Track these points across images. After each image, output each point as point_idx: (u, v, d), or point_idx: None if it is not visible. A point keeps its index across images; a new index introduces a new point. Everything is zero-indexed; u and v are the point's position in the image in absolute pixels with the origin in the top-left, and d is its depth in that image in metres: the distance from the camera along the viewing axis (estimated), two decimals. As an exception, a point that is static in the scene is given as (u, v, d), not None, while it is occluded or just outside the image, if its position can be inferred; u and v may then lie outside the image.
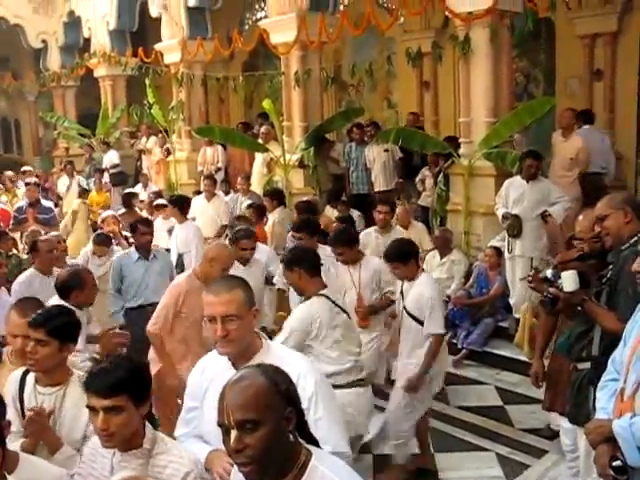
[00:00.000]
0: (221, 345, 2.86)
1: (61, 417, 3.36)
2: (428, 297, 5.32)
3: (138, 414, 2.74)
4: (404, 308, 5.46)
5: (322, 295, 4.57)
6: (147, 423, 2.83)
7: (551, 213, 7.86)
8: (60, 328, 3.40)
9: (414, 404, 5.42)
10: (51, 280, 5.67)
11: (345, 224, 8.23)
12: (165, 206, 10.13)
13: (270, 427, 2.07)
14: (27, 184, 11.51)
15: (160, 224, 9.84)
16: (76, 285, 4.91)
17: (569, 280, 3.98)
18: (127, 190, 12.26)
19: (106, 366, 2.72)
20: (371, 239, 7.69)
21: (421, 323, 5.38)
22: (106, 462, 2.80)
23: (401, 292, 5.57)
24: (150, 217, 10.02)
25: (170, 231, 9.37)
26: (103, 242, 7.87)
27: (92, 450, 2.90)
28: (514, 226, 7.93)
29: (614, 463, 2.99)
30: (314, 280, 4.63)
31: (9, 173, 15.57)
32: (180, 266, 8.48)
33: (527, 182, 7.86)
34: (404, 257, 5.43)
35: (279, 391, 2.13)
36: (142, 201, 12.04)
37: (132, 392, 2.70)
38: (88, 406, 2.71)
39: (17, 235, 9.96)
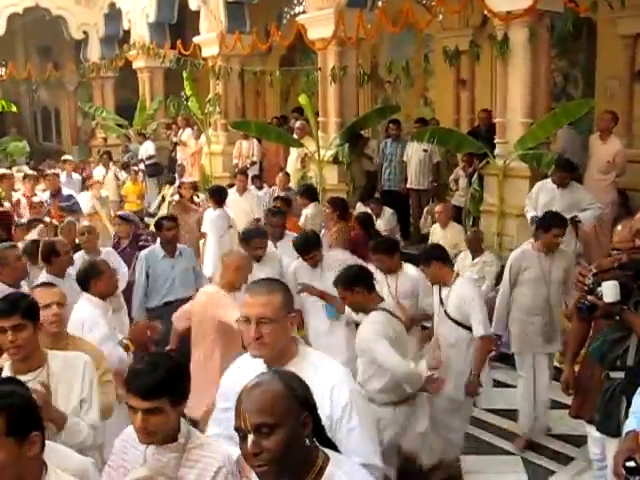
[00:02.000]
0: (254, 347, 2.83)
1: (52, 396, 3.37)
2: (470, 299, 5.34)
3: (176, 413, 2.76)
4: (446, 314, 5.46)
5: (382, 309, 4.65)
6: (182, 419, 2.85)
7: (581, 219, 7.78)
8: (31, 308, 3.41)
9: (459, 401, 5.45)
10: (66, 281, 5.68)
11: (366, 223, 8.24)
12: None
13: (286, 431, 2.09)
14: (45, 175, 11.74)
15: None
16: (94, 275, 4.99)
17: (610, 291, 3.93)
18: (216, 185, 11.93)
19: (146, 366, 2.73)
20: None
21: (465, 327, 5.39)
22: (139, 454, 2.82)
23: (440, 299, 5.57)
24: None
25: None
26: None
27: (124, 442, 2.93)
28: None
29: (627, 463, 2.98)
30: (372, 295, 4.72)
31: (50, 162, 15.81)
32: None
33: (558, 187, 7.79)
34: (431, 258, 5.54)
35: (295, 396, 2.14)
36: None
37: (171, 394, 2.72)
38: (127, 404, 2.73)
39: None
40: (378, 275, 5.90)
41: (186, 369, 2.90)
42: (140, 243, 8.05)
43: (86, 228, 7.31)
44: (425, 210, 10.59)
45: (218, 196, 9.16)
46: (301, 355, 2.90)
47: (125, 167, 15.32)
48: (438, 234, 9.33)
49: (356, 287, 4.67)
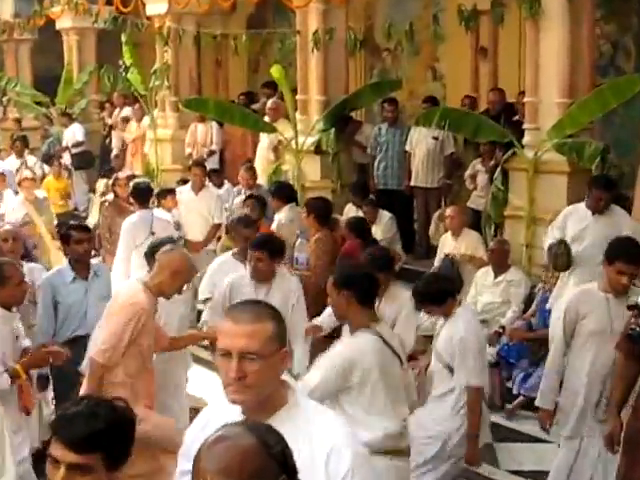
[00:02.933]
0: (233, 390, 2.79)
1: None
2: (459, 338, 5.47)
3: None
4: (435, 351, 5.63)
5: (372, 331, 4.69)
6: None
7: None
8: None
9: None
10: None
11: (360, 231, 8.30)
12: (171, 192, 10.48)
13: None
14: None
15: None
16: None
17: None
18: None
19: (84, 410, 2.74)
20: None
21: (451, 370, 5.54)
22: None
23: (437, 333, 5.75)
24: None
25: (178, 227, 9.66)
26: None
27: None
28: (561, 255, 7.79)
29: None
30: (365, 310, 4.77)
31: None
32: None
33: (593, 214, 7.72)
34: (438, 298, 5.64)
35: (271, 454, 2.13)
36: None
37: (109, 452, 2.71)
38: (49, 455, 2.72)
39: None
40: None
41: (132, 425, 2.89)
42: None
43: (10, 233, 7.34)
44: (435, 215, 10.63)
45: (142, 194, 9.41)
46: (293, 403, 2.86)
47: (46, 157, 15.29)
48: (449, 244, 9.40)
49: (345, 289, 4.73)
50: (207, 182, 11.23)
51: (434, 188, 11.09)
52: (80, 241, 6.82)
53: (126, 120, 16.16)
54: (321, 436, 2.72)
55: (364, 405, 4.56)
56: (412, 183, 11.10)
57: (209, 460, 2.12)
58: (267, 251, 6.52)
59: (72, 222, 8.17)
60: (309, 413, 2.85)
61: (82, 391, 5.36)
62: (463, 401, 5.54)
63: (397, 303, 6.18)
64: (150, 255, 6.23)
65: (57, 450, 2.69)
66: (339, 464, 2.70)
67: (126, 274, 8.54)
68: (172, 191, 10.75)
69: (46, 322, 6.75)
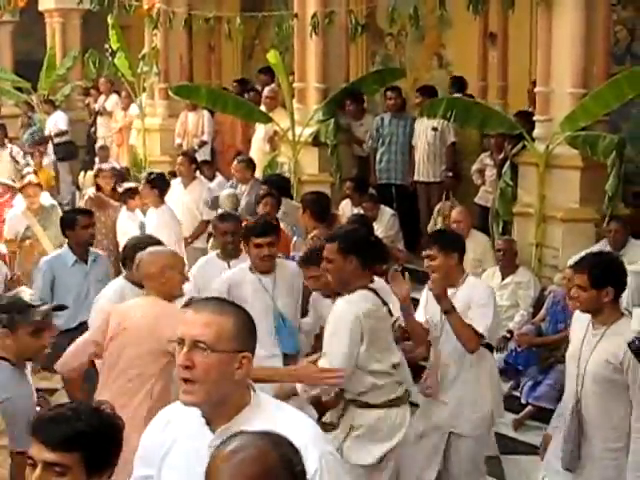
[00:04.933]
0: (183, 390, 2.85)
1: None
2: (481, 303, 5.62)
3: None
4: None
5: (368, 288, 5.15)
6: None
7: None
8: None
9: None
10: None
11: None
12: (136, 192, 10.20)
13: None
14: None
15: (125, 218, 9.96)
16: None
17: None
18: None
19: (65, 411, 2.79)
20: None
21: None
22: None
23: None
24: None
25: (142, 227, 9.55)
26: None
27: None
28: None
29: None
30: (366, 274, 5.20)
31: None
32: None
33: (614, 251, 7.79)
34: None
35: (294, 474, 2.15)
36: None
37: (88, 453, 2.74)
38: (28, 457, 2.76)
39: None
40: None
41: (118, 433, 2.90)
42: None
43: None
44: (436, 210, 10.61)
45: (161, 186, 9.64)
46: (254, 405, 2.91)
47: (29, 146, 15.26)
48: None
49: (354, 255, 5.11)
50: (197, 174, 11.20)
51: (436, 182, 11.06)
52: (86, 226, 7.26)
53: (109, 114, 16.16)
54: (287, 435, 2.65)
55: (368, 356, 5.14)
56: (415, 178, 11.08)
57: (225, 477, 2.12)
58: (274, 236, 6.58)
59: (77, 207, 8.34)
60: (272, 413, 2.89)
61: None
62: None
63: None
64: (124, 259, 6.34)
65: (34, 449, 2.74)
66: (308, 458, 2.67)
67: None
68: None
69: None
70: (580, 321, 5.24)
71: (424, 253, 5.76)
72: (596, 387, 5.00)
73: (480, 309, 5.60)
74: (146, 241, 6.25)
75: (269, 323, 6.36)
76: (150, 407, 5.00)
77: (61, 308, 5.43)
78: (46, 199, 10.40)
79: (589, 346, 5.02)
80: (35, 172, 13.70)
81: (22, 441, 3.41)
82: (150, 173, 10.55)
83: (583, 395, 5.05)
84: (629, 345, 4.68)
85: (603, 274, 4.97)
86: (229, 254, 7.36)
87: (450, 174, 10.92)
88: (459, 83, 12.35)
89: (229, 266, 7.21)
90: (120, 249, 7.94)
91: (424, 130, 10.92)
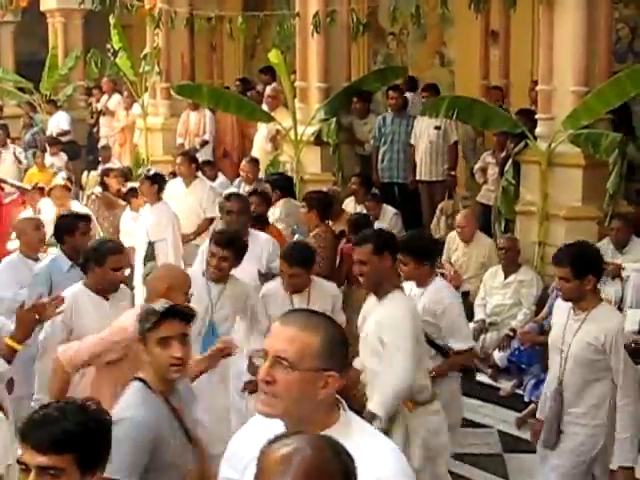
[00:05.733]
0: (261, 400, 2.76)
1: None
2: (447, 304, 5.82)
3: None
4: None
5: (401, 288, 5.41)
6: None
7: None
8: None
9: None
10: None
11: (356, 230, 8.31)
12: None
13: None
14: None
15: (128, 218, 10.01)
16: None
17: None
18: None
19: (53, 412, 2.77)
20: None
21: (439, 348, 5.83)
22: None
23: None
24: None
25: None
26: None
27: None
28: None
29: None
30: (396, 272, 5.51)
31: None
32: (150, 258, 8.96)
33: (616, 248, 8.11)
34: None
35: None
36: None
37: (80, 453, 2.73)
38: (20, 462, 2.75)
39: None
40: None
41: (107, 428, 2.90)
42: None
43: None
44: (439, 208, 10.62)
45: (160, 183, 9.70)
46: (343, 424, 2.79)
47: (30, 147, 15.27)
48: (459, 250, 9.39)
49: (388, 252, 5.30)
50: (199, 173, 11.19)
51: (438, 181, 11.07)
52: (85, 232, 7.13)
53: (111, 113, 16.17)
54: (367, 464, 2.55)
55: None
56: (417, 177, 11.07)
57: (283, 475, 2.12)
58: (300, 265, 6.44)
59: (75, 212, 8.23)
60: (358, 436, 2.73)
61: None
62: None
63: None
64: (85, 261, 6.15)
65: (25, 454, 2.73)
66: None
67: None
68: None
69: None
70: (561, 308, 5.51)
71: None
72: (578, 369, 5.24)
73: (456, 323, 5.87)
74: (110, 244, 6.20)
75: (198, 326, 5.95)
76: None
77: None
78: (76, 205, 10.32)
79: (571, 331, 5.25)
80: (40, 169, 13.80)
81: None
82: (148, 169, 10.59)
83: (565, 377, 5.29)
84: (626, 347, 4.73)
85: (584, 265, 5.21)
86: None
87: (453, 173, 10.93)
88: (411, 83, 13.08)
89: None
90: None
91: (426, 129, 10.91)
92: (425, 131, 10.93)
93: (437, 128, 10.82)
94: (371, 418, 4.80)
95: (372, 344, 5.25)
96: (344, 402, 2.86)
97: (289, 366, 2.68)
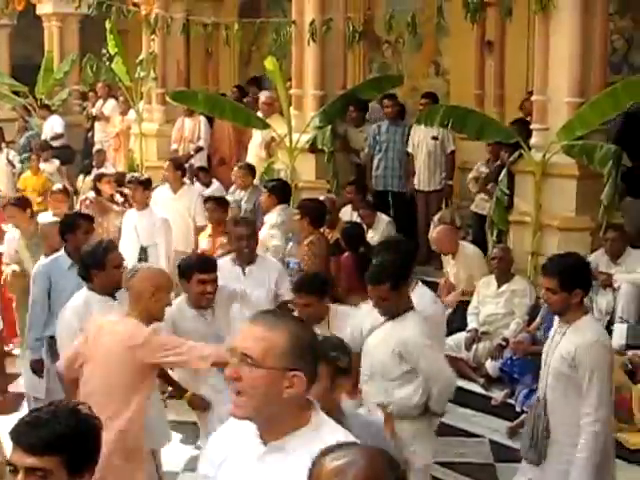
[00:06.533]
0: (233, 403, 2.82)
1: None
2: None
3: None
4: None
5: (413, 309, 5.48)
6: None
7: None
8: None
9: None
10: None
11: (354, 240, 8.30)
12: None
13: None
14: None
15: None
16: None
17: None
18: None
19: (42, 415, 2.79)
20: None
21: None
22: None
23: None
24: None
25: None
26: None
27: None
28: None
29: None
30: (404, 293, 5.44)
31: None
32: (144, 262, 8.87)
33: (611, 258, 8.17)
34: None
35: None
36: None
37: (69, 456, 2.75)
38: (9, 463, 2.76)
39: None
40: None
41: (97, 432, 2.91)
42: None
43: None
44: (436, 218, 10.61)
45: (149, 187, 10.02)
46: (314, 426, 2.85)
47: (25, 150, 15.25)
48: (450, 265, 9.44)
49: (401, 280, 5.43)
50: (186, 179, 11.20)
51: (437, 190, 11.08)
52: (88, 231, 7.27)
53: (106, 118, 16.16)
54: None
55: None
56: (415, 186, 11.05)
57: None
58: (311, 293, 6.24)
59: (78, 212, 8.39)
60: (328, 438, 2.71)
61: None
62: None
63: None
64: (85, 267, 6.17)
65: (14, 455, 2.75)
66: None
67: None
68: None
69: (39, 309, 7.00)
70: (556, 320, 5.39)
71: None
72: (556, 383, 5.14)
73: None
74: (104, 243, 6.28)
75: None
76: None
77: None
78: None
79: (554, 344, 5.18)
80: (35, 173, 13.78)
81: None
82: (140, 175, 10.64)
83: (547, 391, 5.20)
84: (624, 367, 4.71)
85: (572, 277, 5.09)
86: (245, 259, 7.27)
87: (450, 182, 10.94)
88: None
89: (244, 272, 7.20)
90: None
91: (424, 139, 10.92)
92: (423, 141, 10.93)
93: (434, 138, 10.83)
94: None
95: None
96: (316, 404, 2.91)
97: (253, 364, 2.74)
